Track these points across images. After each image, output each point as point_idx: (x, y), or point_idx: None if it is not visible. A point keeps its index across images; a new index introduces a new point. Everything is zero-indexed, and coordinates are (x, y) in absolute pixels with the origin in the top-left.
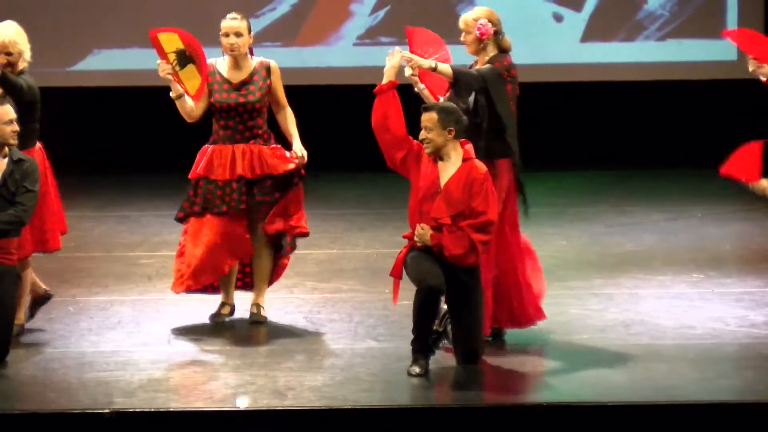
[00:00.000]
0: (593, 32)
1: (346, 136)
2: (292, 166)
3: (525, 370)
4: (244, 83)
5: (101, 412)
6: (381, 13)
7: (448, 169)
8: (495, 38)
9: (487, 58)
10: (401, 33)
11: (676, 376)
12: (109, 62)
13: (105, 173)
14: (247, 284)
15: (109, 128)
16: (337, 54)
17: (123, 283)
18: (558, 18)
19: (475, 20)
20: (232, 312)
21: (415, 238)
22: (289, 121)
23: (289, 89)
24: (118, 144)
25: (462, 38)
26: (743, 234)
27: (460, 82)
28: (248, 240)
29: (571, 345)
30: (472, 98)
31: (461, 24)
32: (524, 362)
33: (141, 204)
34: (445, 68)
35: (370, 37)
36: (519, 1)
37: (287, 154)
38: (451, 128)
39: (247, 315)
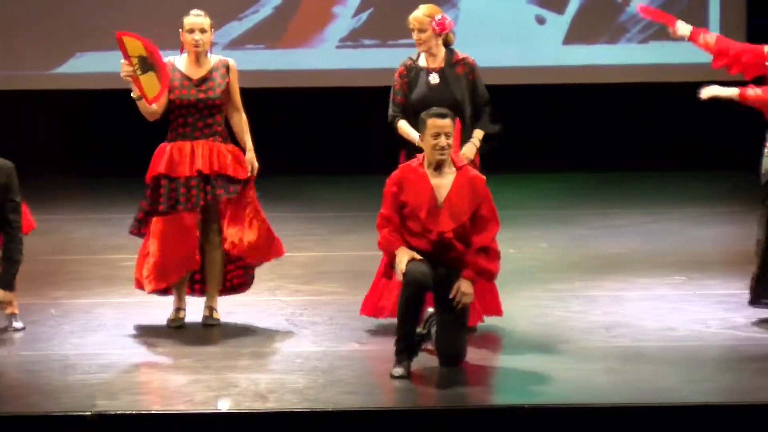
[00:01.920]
0: (576, 35)
1: (330, 138)
2: (243, 175)
3: (507, 372)
4: (204, 80)
5: (84, 415)
6: (364, 16)
7: (443, 182)
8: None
9: (441, 54)
10: (384, 35)
11: (658, 378)
12: (92, 65)
13: (88, 176)
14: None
15: (91, 131)
16: (320, 56)
17: (106, 286)
18: (540, 20)
19: (429, 16)
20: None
21: (464, 301)
22: (244, 126)
23: (272, 91)
24: (102, 146)
25: (415, 36)
26: (726, 236)
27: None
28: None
29: (554, 347)
30: None
31: (414, 22)
32: (506, 364)
33: (124, 206)
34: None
35: (353, 39)
36: (501, 3)
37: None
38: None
39: (230, 318)
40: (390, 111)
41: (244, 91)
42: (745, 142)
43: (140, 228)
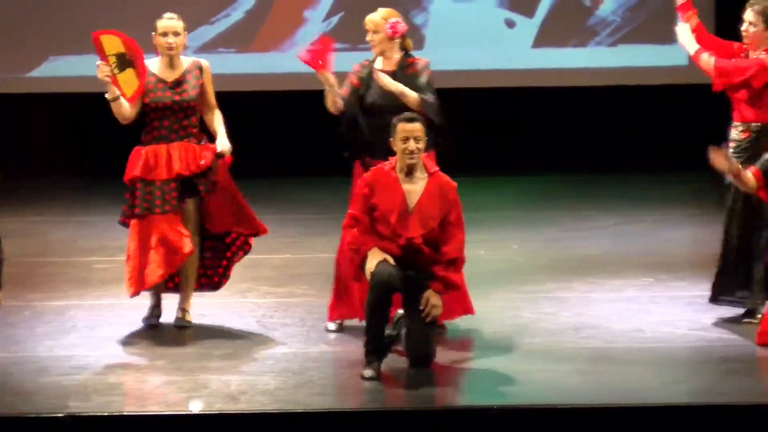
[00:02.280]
0: (545, 38)
1: (302, 141)
2: (208, 154)
3: (477, 373)
4: (179, 82)
5: (57, 416)
6: (334, 19)
7: (415, 187)
8: (403, 38)
9: (396, 57)
10: (354, 39)
11: (627, 379)
12: (66, 69)
13: (64, 178)
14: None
15: (66, 134)
16: (292, 60)
17: (80, 288)
18: (510, 24)
19: (385, 19)
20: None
21: (433, 313)
22: (216, 120)
23: (244, 95)
24: (77, 149)
25: (368, 38)
26: (695, 237)
27: (425, 109)
28: (188, 237)
29: (524, 348)
30: None
31: (369, 24)
32: (476, 365)
33: (100, 209)
34: (410, 95)
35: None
36: (471, 7)
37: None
38: (426, 139)
39: (202, 320)
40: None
41: (216, 95)
42: (715, 143)
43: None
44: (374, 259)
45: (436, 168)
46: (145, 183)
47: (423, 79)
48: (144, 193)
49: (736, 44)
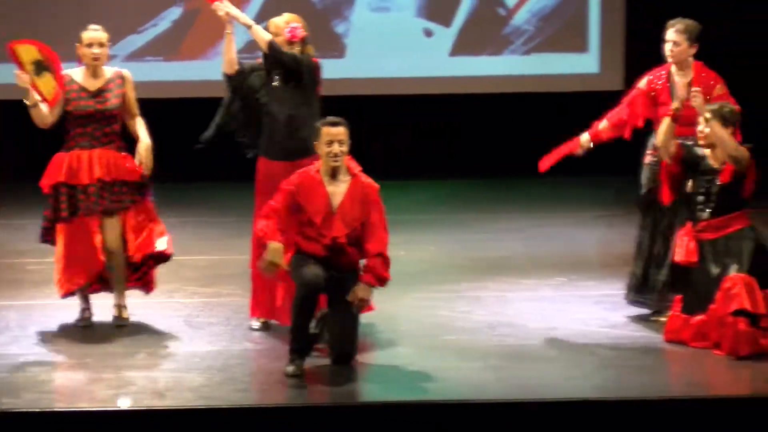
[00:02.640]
0: (462, 46)
1: (224, 145)
2: (137, 176)
3: (396, 370)
4: (101, 91)
5: None
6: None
7: (338, 189)
8: (303, 44)
9: None
10: None
11: (540, 375)
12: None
13: (6, 181)
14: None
15: (1, 137)
16: (216, 68)
17: (12, 289)
18: (428, 33)
19: (286, 23)
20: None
21: (360, 306)
22: (138, 126)
23: (170, 102)
24: (11, 152)
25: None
26: (604, 239)
27: (273, 50)
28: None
29: (441, 345)
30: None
31: (271, 27)
32: (395, 362)
33: (33, 212)
34: (261, 32)
35: (249, 51)
36: (391, 17)
37: (136, 163)
38: (349, 141)
39: (130, 319)
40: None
41: (143, 102)
42: (625, 149)
43: (48, 236)
44: (274, 254)
45: (359, 169)
46: (69, 187)
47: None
48: (68, 197)
49: (641, 83)
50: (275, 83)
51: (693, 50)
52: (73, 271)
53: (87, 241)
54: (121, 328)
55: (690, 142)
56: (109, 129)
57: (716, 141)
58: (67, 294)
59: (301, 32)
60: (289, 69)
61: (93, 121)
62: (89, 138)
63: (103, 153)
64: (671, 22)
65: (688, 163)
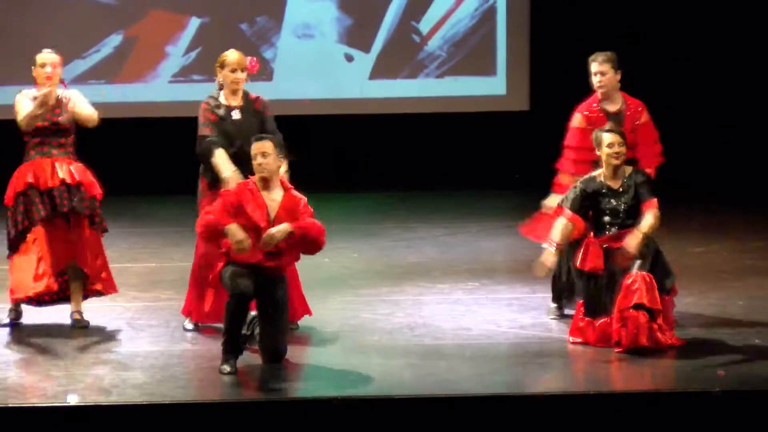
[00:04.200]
0: (380, 70)
1: (162, 162)
2: (96, 191)
3: (322, 368)
4: (55, 106)
5: None
6: (193, 54)
7: (274, 200)
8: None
9: (241, 93)
10: (211, 71)
11: (455, 372)
12: None
13: None
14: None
15: None
16: (154, 90)
17: None
18: (349, 58)
19: (245, 57)
20: (18, 318)
21: (265, 240)
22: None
23: (112, 122)
24: None
25: (238, 75)
26: (513, 246)
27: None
28: (75, 242)
29: (363, 345)
30: None
31: (239, 63)
32: (322, 361)
33: None
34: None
35: (183, 75)
36: (314, 43)
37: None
38: (282, 158)
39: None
40: (207, 138)
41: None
42: (535, 164)
43: (16, 250)
44: (236, 231)
45: (290, 186)
46: (27, 196)
47: (272, 122)
48: (27, 203)
49: (575, 121)
50: (236, 116)
51: (618, 76)
52: (27, 280)
53: (45, 248)
54: (83, 329)
55: (587, 178)
56: (64, 140)
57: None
58: (21, 301)
59: (257, 65)
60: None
61: (50, 132)
62: (48, 147)
63: (63, 160)
64: (592, 56)
65: (592, 199)
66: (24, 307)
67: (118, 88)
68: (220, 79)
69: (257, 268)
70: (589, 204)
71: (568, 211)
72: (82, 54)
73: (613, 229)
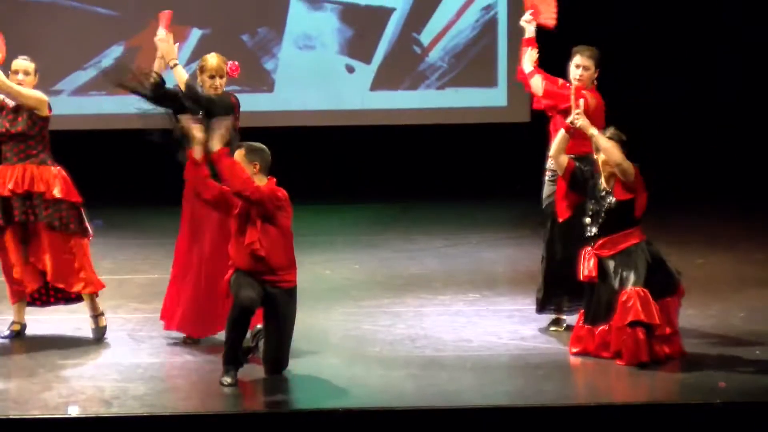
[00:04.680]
0: (381, 82)
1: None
2: (58, 194)
3: (324, 380)
4: (15, 111)
5: None
6: (194, 65)
7: None
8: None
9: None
10: None
11: (456, 383)
12: None
13: None
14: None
15: None
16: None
17: None
18: (350, 69)
19: (224, 62)
20: (22, 330)
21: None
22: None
23: (113, 133)
24: None
25: (216, 82)
26: (513, 258)
27: (189, 91)
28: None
29: (365, 356)
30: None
31: (217, 69)
32: (323, 372)
33: None
34: (180, 73)
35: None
36: (315, 54)
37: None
38: (256, 162)
39: (78, 333)
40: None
41: (89, 133)
42: (536, 175)
43: None
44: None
45: (273, 180)
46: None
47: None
48: (4, 206)
49: (560, 80)
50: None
51: (596, 74)
52: (16, 282)
53: (21, 252)
54: (87, 341)
55: (585, 166)
56: (24, 146)
57: (603, 151)
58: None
59: (237, 69)
60: (205, 108)
61: (8, 139)
62: (10, 153)
63: (25, 168)
64: (578, 48)
65: (578, 180)
66: (27, 318)
67: (119, 99)
68: (199, 82)
69: (259, 274)
70: (578, 185)
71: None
72: (84, 65)
73: (595, 230)
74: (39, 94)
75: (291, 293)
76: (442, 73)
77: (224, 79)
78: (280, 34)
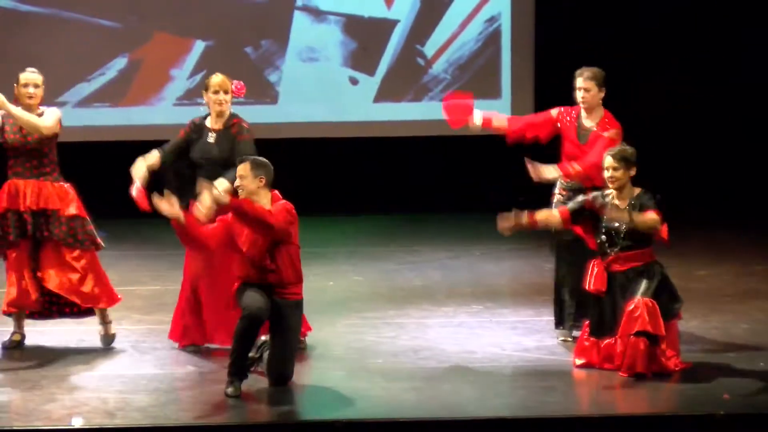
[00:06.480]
0: (385, 94)
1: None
2: (74, 211)
3: (327, 391)
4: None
5: None
6: (198, 77)
7: None
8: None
9: (226, 116)
10: None
11: (459, 395)
12: None
13: None
14: (61, 312)
15: None
16: (159, 113)
17: None
18: (354, 81)
19: (231, 81)
20: (22, 341)
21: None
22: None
23: (116, 145)
24: None
25: (220, 97)
26: (516, 270)
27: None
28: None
29: (368, 368)
30: None
31: (222, 85)
32: (326, 383)
33: None
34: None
35: (188, 98)
36: (319, 66)
37: (69, 195)
38: (262, 177)
39: (81, 344)
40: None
41: (92, 145)
42: (539, 187)
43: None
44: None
45: (279, 198)
46: (13, 212)
47: (245, 147)
48: (13, 221)
49: (554, 111)
50: (210, 140)
51: (602, 94)
52: (18, 294)
53: (30, 266)
54: (89, 351)
55: (598, 193)
56: (37, 162)
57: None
58: (6, 313)
59: (243, 89)
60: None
61: (22, 153)
62: (22, 168)
63: (36, 184)
64: (579, 71)
65: (581, 215)
66: (27, 330)
67: (123, 111)
68: (205, 101)
69: (266, 286)
70: (590, 215)
71: (563, 206)
72: (87, 77)
73: (611, 250)
74: (50, 122)
75: (298, 305)
76: (446, 85)
77: (229, 95)
78: (284, 46)
